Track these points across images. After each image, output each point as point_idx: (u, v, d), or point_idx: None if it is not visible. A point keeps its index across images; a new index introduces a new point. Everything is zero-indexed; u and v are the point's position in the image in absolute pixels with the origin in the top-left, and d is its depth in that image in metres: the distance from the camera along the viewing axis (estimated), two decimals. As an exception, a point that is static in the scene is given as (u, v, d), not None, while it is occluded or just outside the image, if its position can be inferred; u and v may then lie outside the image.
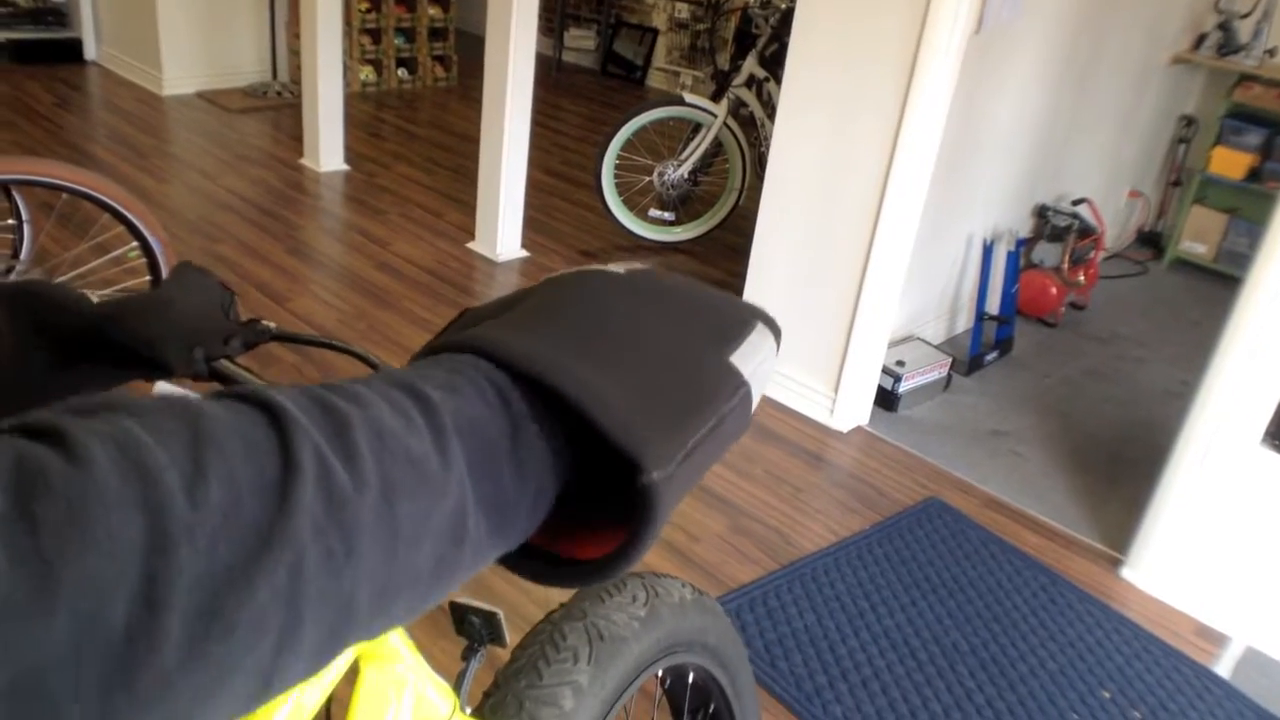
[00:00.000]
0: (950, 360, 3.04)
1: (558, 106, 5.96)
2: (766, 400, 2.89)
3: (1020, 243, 3.52)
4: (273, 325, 0.73)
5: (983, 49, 2.74)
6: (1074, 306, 3.83)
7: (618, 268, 0.53)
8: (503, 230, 3.69)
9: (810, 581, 2.08)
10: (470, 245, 3.77)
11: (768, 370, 0.53)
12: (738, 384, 0.50)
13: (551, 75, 6.63)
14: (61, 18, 5.59)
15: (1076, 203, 3.72)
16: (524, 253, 3.77)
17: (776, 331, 0.56)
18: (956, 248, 3.30)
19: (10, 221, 2.66)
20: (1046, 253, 3.67)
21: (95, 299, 0.66)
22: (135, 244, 2.32)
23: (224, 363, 0.69)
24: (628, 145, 3.81)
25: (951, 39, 2.39)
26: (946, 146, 2.65)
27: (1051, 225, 3.64)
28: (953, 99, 2.52)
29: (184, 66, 5.25)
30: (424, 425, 0.38)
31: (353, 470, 0.34)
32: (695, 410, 0.46)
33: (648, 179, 3.92)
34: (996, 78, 2.97)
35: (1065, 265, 3.63)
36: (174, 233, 3.59)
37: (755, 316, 0.54)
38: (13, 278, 2.31)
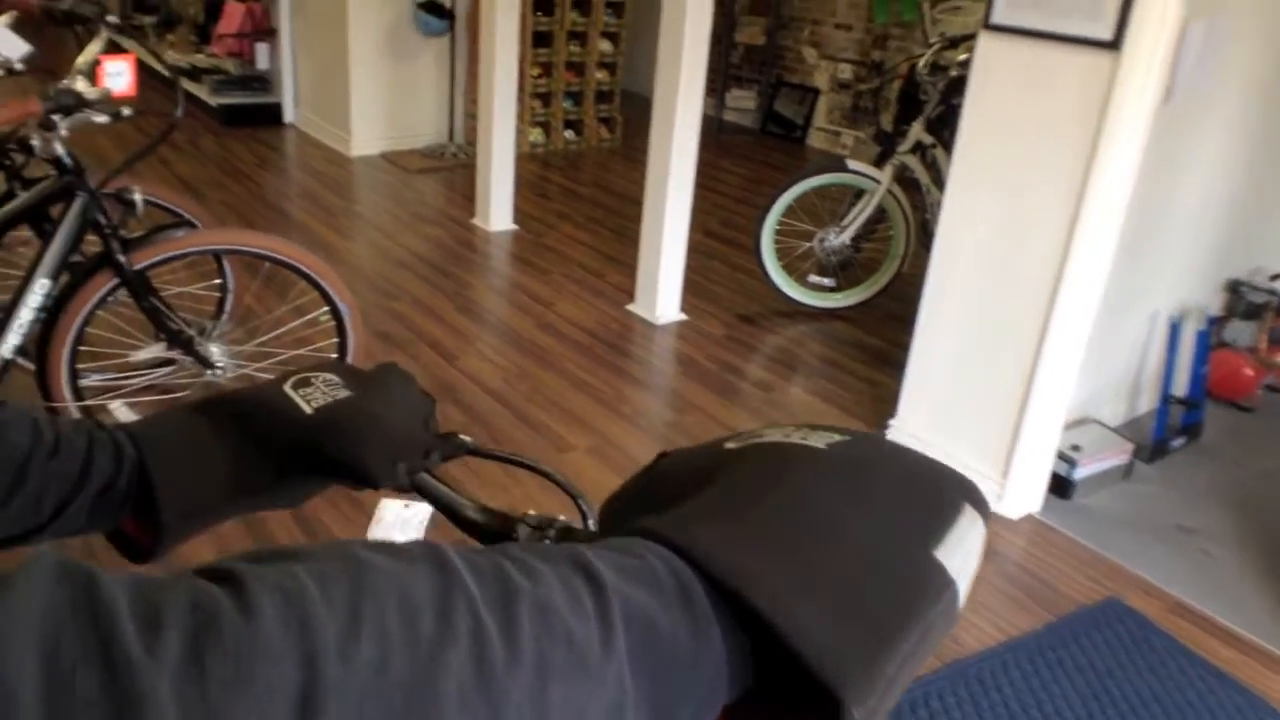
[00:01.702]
0: (1132, 446, 2.86)
1: (718, 167, 6.02)
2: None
3: (1211, 320, 3.30)
4: (469, 440, 0.74)
5: (1171, 117, 2.61)
6: (1271, 389, 3.54)
7: (820, 439, 0.50)
8: (662, 293, 3.74)
9: (976, 684, 1.98)
10: (629, 307, 3.84)
11: (975, 562, 0.49)
12: (943, 584, 0.46)
13: (713, 135, 6.72)
14: (265, 84, 6.07)
15: (1275, 277, 3.47)
16: (682, 316, 3.80)
17: (985, 512, 0.52)
18: (1139, 325, 3.12)
19: (217, 281, 2.89)
20: (1240, 331, 3.43)
21: (309, 409, 0.66)
22: (326, 309, 2.47)
23: (424, 476, 0.70)
24: (788, 210, 3.81)
25: (1139, 110, 2.29)
26: (1130, 219, 2.52)
27: (1246, 302, 3.40)
28: (1138, 170, 2.41)
29: (370, 129, 5.59)
30: (592, 609, 0.37)
31: (509, 642, 0.34)
32: (899, 623, 0.43)
33: (808, 244, 3.90)
34: (1186, 147, 2.81)
35: (1262, 345, 3.38)
36: (356, 289, 3.80)
37: (963, 495, 0.50)
38: (215, 335, 2.49)
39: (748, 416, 3.09)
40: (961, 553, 0.48)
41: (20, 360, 2.20)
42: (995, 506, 2.65)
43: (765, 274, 3.88)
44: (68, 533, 0.64)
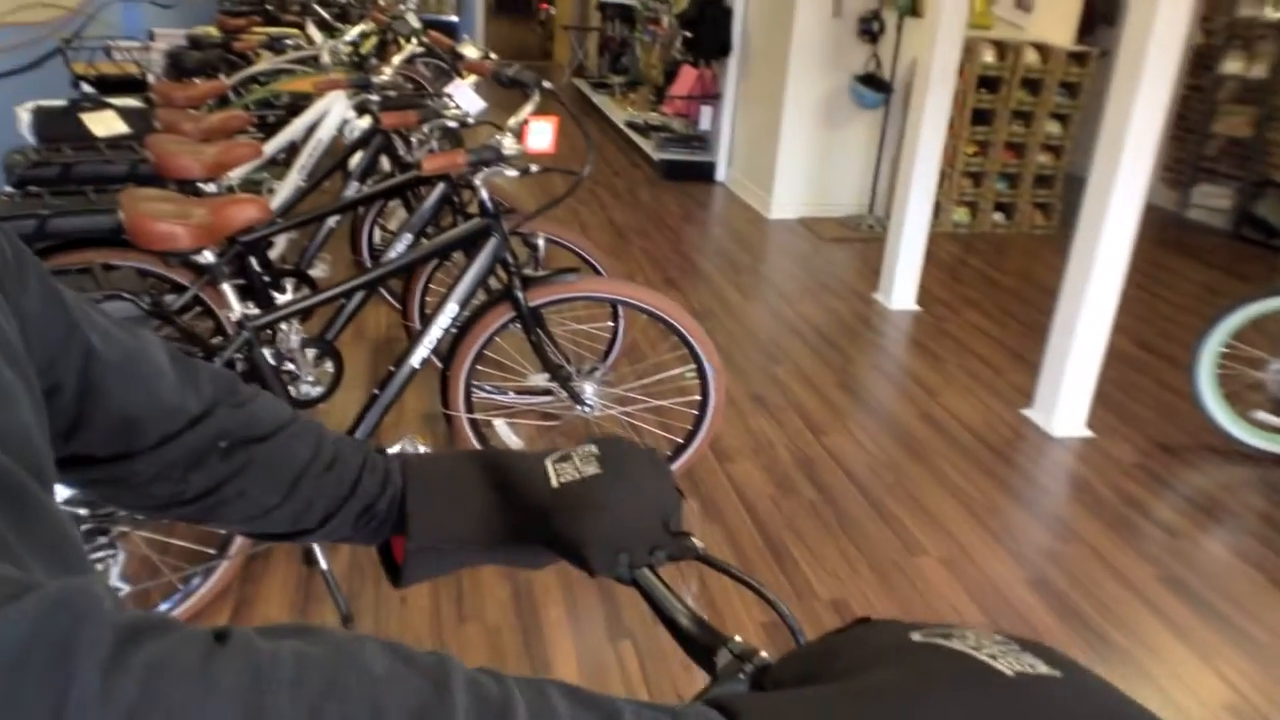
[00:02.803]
0: None
1: (1167, 268, 5.33)
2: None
3: None
4: (700, 545, 0.69)
5: None
6: None
7: (1013, 663, 0.39)
8: (1065, 402, 3.35)
9: None
10: (1025, 411, 3.48)
11: None
12: None
13: (1169, 233, 5.98)
14: (704, 143, 6.45)
15: None
16: (1087, 432, 3.37)
17: None
18: None
19: (610, 324, 3.08)
20: None
21: (554, 483, 0.68)
22: (693, 366, 2.52)
23: (644, 572, 0.67)
24: (1239, 331, 3.23)
25: None
26: None
27: None
28: None
29: (792, 193, 5.70)
30: None
31: None
32: None
33: (1261, 374, 3.28)
34: None
35: None
36: (743, 348, 3.86)
37: None
38: (597, 377, 2.63)
39: (1141, 563, 2.65)
40: None
41: (434, 358, 2.48)
42: None
43: (1199, 401, 3.33)
44: (333, 539, 0.72)
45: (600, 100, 8.05)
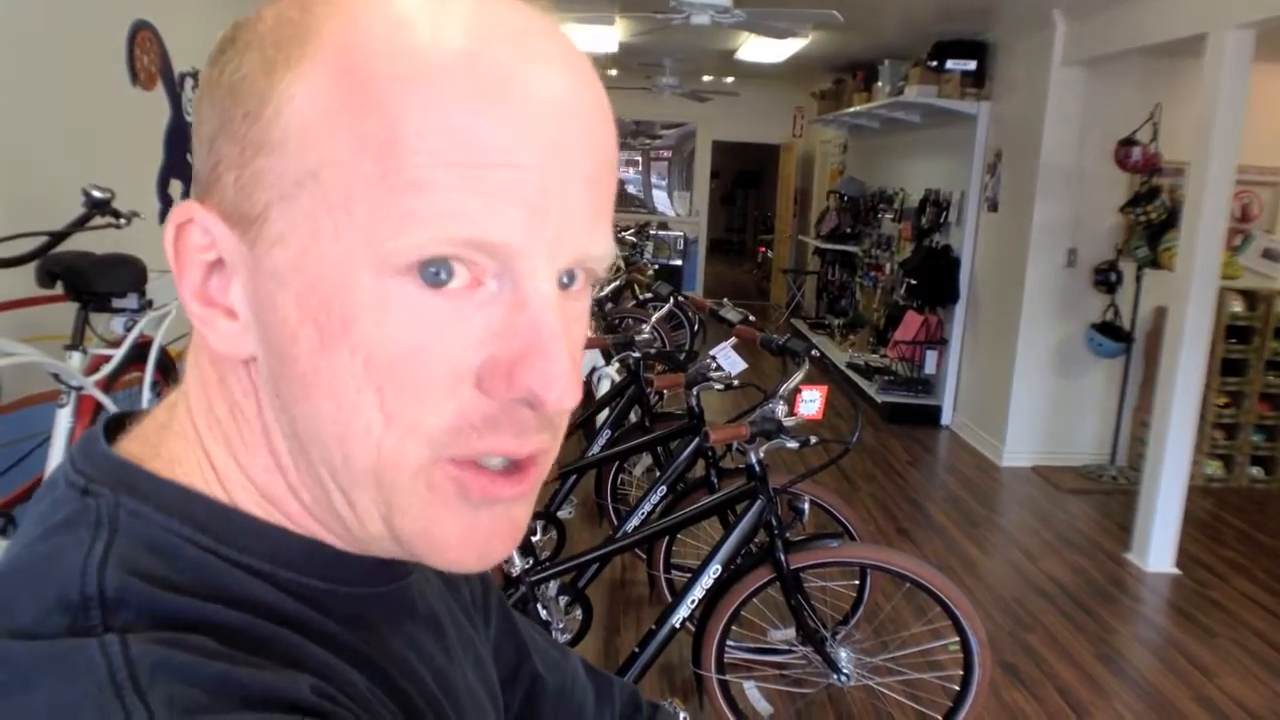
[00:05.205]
0: None
1: None
2: None
3: None
4: None
5: None
6: None
7: None
8: (1376, 698, 2.97)
9: None
10: (1325, 703, 3.10)
11: None
12: None
13: None
14: (929, 387, 6.44)
15: None
16: (1405, 735, 2.95)
17: None
18: None
19: (855, 583, 3.04)
20: None
21: None
22: (956, 639, 2.44)
23: None
24: None
25: None
26: None
27: None
28: None
29: (1024, 440, 5.54)
30: None
31: None
32: None
33: None
34: None
35: None
36: (987, 610, 3.68)
37: None
38: (838, 638, 2.58)
39: None
40: None
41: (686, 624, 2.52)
42: None
43: None
44: None
45: (819, 340, 8.25)
